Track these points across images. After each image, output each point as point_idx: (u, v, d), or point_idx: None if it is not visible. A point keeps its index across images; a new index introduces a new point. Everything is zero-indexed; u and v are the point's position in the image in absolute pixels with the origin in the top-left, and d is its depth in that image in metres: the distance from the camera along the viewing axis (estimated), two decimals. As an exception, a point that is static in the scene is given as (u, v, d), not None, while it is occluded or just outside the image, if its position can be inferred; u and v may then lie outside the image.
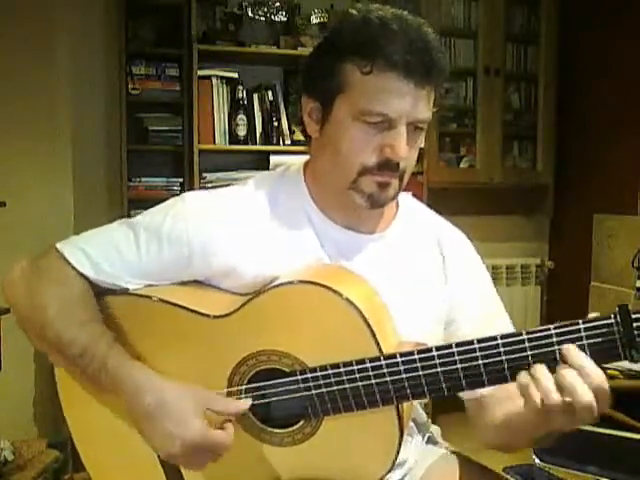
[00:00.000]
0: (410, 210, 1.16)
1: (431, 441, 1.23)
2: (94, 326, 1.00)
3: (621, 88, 3.17)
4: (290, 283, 0.95)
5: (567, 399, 0.81)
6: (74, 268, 1.02)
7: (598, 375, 0.81)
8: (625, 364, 2.33)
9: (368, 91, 0.95)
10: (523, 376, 0.84)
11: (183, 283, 1.07)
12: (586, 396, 0.80)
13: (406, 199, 1.16)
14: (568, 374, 0.81)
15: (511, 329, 1.12)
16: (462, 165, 3.44)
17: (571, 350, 0.82)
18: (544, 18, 3.41)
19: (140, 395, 0.95)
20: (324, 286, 0.92)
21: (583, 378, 0.81)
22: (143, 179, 2.98)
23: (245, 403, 0.97)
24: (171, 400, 0.94)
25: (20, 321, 1.05)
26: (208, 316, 0.99)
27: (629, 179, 3.11)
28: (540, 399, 0.82)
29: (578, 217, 3.45)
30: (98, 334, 0.99)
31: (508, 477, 2.15)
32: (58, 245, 1.05)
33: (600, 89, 3.29)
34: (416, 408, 1.17)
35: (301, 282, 0.95)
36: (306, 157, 1.12)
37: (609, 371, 2.34)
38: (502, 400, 1.02)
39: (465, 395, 1.08)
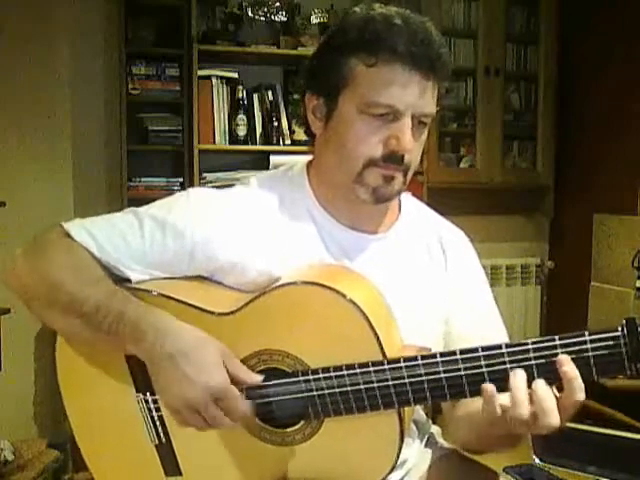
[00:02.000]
0: (412, 210, 1.16)
1: (431, 441, 1.24)
2: (107, 282, 0.99)
3: (621, 88, 3.17)
4: (293, 284, 0.96)
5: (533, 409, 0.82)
6: (79, 245, 1.01)
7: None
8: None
9: (373, 83, 0.96)
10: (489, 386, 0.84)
11: (187, 278, 1.06)
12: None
13: (408, 199, 1.17)
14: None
15: (504, 331, 1.12)
16: (462, 165, 3.44)
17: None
18: (544, 18, 3.41)
19: (162, 340, 0.92)
20: (327, 287, 0.92)
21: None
22: (143, 179, 2.98)
23: (257, 377, 0.95)
24: (196, 347, 0.92)
25: (25, 294, 1.02)
26: (212, 313, 0.99)
27: (629, 179, 3.11)
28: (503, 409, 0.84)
29: (578, 217, 3.44)
30: (112, 290, 0.98)
31: (508, 477, 2.15)
32: (65, 224, 1.03)
33: (600, 89, 3.29)
34: (416, 409, 1.17)
35: (304, 283, 0.95)
36: (307, 157, 1.12)
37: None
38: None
39: None
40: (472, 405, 1.00)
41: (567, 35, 3.41)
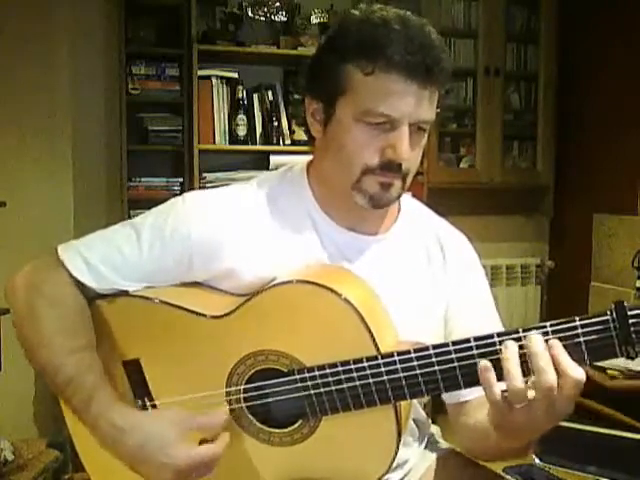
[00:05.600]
0: (412, 211, 1.16)
1: (431, 441, 1.23)
2: (84, 356, 0.99)
3: (621, 88, 3.17)
4: (289, 282, 0.95)
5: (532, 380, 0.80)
6: (73, 277, 1.02)
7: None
8: (623, 362, 2.33)
9: (370, 92, 0.95)
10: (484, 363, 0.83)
11: (182, 284, 1.06)
12: (550, 375, 0.79)
13: (408, 200, 1.16)
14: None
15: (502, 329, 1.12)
16: (462, 165, 3.45)
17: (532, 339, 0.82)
18: (544, 18, 3.41)
19: (122, 439, 0.93)
20: (323, 286, 0.92)
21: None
22: (143, 179, 2.98)
23: (223, 410, 0.97)
24: (153, 434, 0.93)
25: (18, 337, 1.06)
26: (205, 316, 0.99)
27: (629, 179, 3.11)
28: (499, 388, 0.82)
29: (578, 217, 3.45)
30: (86, 366, 0.98)
31: (508, 477, 2.15)
32: (60, 250, 1.04)
33: (600, 89, 3.29)
34: (416, 408, 1.16)
35: (299, 282, 0.95)
36: (307, 157, 1.12)
37: (609, 371, 2.35)
38: (480, 404, 1.02)
39: (448, 399, 1.08)
40: (480, 414, 0.99)
41: (567, 35, 3.42)
